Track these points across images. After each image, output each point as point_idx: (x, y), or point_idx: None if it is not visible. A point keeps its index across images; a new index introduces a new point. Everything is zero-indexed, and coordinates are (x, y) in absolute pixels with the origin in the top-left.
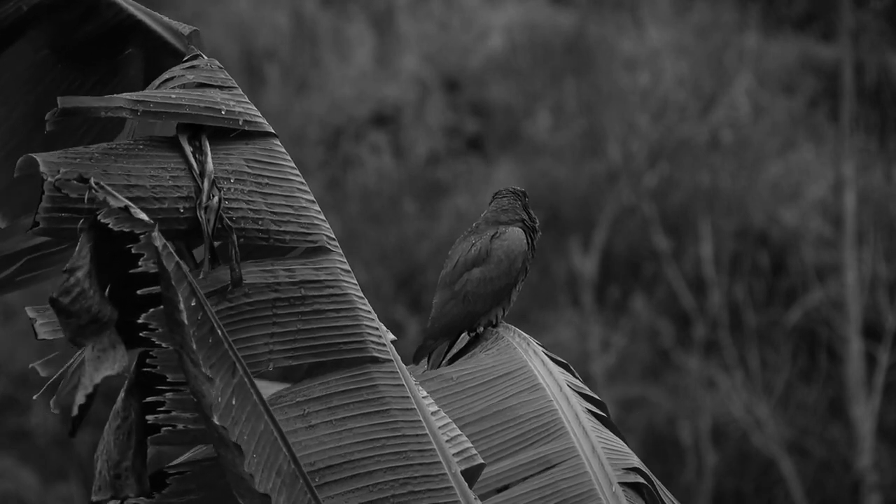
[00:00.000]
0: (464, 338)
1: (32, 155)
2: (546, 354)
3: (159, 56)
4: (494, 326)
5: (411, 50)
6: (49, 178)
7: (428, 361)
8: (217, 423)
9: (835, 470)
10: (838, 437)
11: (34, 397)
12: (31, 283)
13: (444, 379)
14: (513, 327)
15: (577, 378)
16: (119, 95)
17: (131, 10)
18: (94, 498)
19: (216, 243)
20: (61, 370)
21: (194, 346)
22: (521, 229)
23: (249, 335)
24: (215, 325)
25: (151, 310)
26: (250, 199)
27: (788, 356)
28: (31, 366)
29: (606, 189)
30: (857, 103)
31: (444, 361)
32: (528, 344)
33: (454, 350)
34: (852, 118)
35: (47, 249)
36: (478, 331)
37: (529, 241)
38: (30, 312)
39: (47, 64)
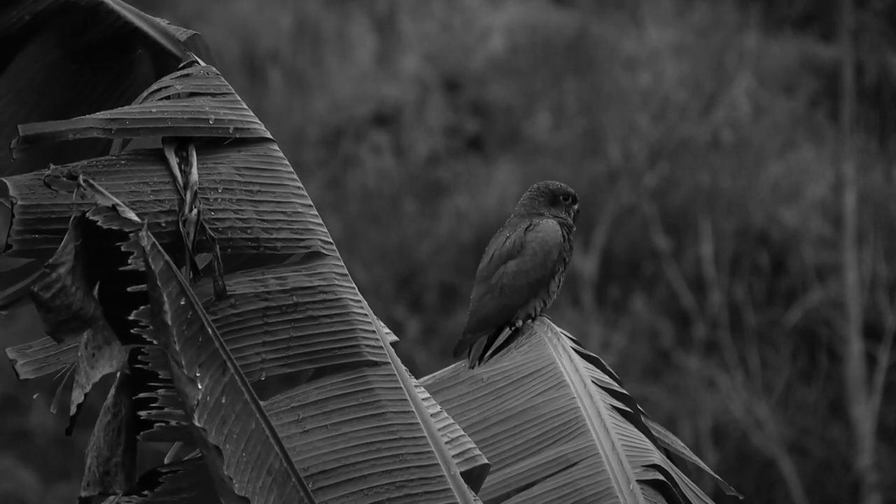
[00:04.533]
0: (506, 332)
1: (3, 178)
2: (575, 350)
3: (165, 57)
4: (533, 319)
5: (412, 50)
6: (19, 202)
7: (468, 356)
8: (198, 424)
9: (835, 470)
10: (838, 437)
11: (34, 396)
12: None
13: (475, 380)
14: (548, 321)
15: (606, 373)
16: (90, 116)
17: (129, 16)
18: (82, 493)
19: (203, 256)
20: (59, 373)
21: (178, 348)
22: (555, 222)
23: (239, 346)
24: (205, 323)
25: (142, 307)
26: (239, 207)
27: (788, 356)
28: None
29: (606, 189)
30: (857, 103)
31: (486, 356)
32: (559, 339)
33: (496, 344)
34: (852, 118)
35: None
36: (516, 324)
37: (565, 234)
38: (10, 354)
39: (60, 65)
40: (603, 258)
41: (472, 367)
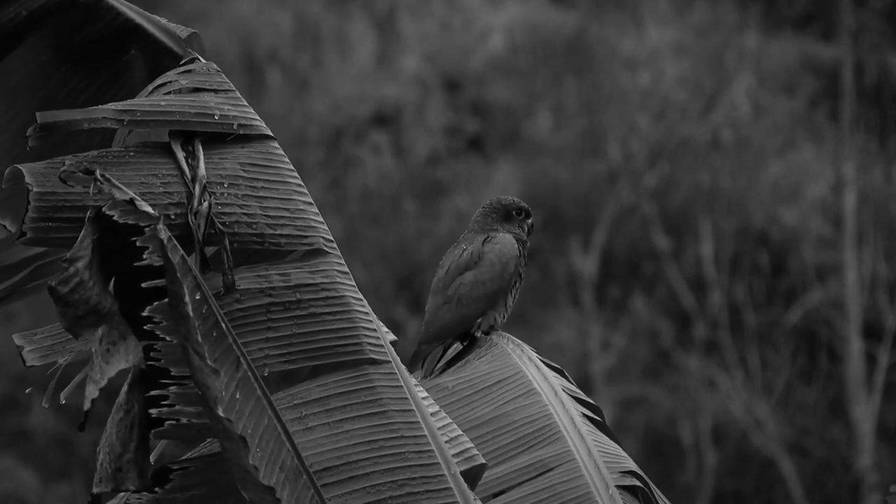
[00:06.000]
0: (458, 345)
1: (18, 166)
2: (540, 360)
3: (161, 57)
4: (488, 333)
5: (412, 50)
6: (34, 189)
7: (422, 367)
8: (222, 415)
9: (835, 470)
10: (838, 437)
11: (27, 391)
12: (39, 291)
13: (440, 388)
14: (506, 334)
15: (571, 383)
16: (103, 106)
17: (129, 13)
18: (94, 489)
19: (209, 249)
20: (54, 367)
21: (199, 339)
22: (511, 236)
23: (244, 341)
24: (220, 318)
25: (156, 303)
26: (244, 203)
27: (788, 356)
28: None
29: (606, 189)
30: (857, 103)
31: (437, 367)
32: (522, 350)
33: (448, 356)
34: (852, 118)
35: (56, 256)
36: (474, 335)
37: (520, 249)
38: (17, 340)
39: (51, 67)
40: (603, 258)
41: (426, 378)
